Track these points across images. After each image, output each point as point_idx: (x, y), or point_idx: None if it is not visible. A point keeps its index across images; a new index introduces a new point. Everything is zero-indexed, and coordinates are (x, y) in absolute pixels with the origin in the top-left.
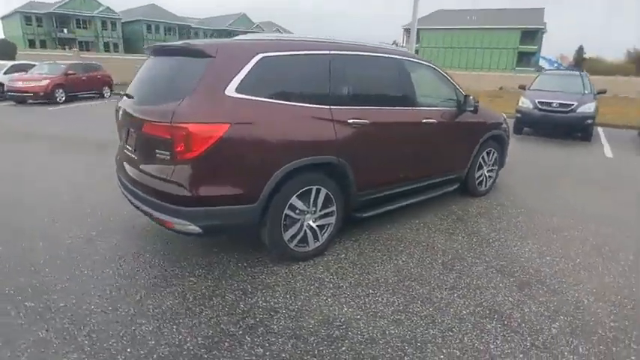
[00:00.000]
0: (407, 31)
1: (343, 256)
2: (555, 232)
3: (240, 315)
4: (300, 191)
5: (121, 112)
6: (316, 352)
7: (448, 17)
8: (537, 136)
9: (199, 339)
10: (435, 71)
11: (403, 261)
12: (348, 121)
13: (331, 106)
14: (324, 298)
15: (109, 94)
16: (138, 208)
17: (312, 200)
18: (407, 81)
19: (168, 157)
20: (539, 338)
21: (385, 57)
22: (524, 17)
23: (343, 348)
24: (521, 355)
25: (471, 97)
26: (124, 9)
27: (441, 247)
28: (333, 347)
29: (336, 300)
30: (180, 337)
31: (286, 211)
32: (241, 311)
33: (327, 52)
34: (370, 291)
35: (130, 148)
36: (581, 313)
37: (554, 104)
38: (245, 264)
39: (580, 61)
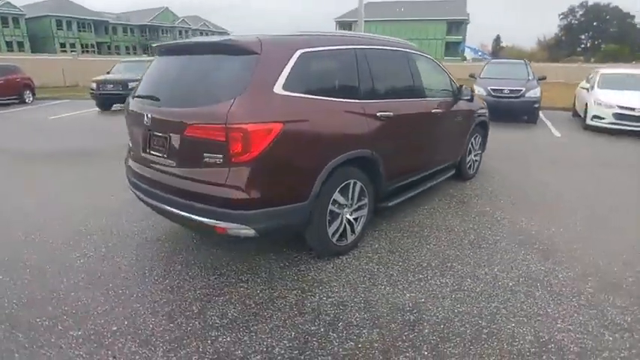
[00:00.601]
0: (340, 24)
1: (377, 246)
2: (549, 206)
3: (312, 313)
4: (341, 186)
5: (145, 117)
6: (404, 338)
7: (378, 9)
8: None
9: (285, 342)
10: (434, 62)
11: (434, 244)
12: (377, 114)
13: (362, 100)
14: (383, 287)
15: (31, 98)
16: (168, 215)
17: (350, 194)
18: (417, 73)
19: (221, 160)
20: (582, 298)
21: (399, 50)
22: (449, 9)
23: (426, 330)
24: (575, 314)
25: (465, 87)
26: (27, 3)
27: (461, 229)
28: (416, 331)
29: (394, 288)
30: (265, 343)
31: (330, 206)
32: (311, 309)
33: (355, 46)
34: (420, 275)
35: (158, 154)
36: (603, 273)
37: (506, 91)
38: (287, 263)
39: (498, 50)
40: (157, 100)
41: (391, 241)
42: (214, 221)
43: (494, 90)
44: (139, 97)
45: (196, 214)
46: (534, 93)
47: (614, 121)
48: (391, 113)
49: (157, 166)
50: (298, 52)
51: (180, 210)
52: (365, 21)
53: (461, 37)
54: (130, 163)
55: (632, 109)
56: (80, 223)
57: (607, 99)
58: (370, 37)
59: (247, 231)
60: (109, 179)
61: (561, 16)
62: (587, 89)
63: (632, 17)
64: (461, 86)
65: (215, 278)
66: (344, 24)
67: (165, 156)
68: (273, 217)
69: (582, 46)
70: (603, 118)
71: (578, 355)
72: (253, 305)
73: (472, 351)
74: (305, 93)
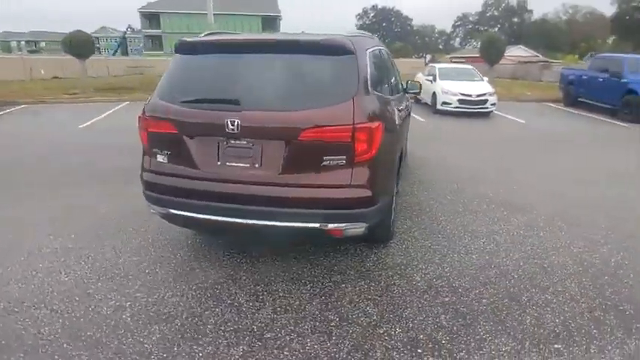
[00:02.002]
0: (144, 15)
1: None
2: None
3: (422, 291)
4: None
5: (227, 124)
6: (487, 295)
7: (189, 1)
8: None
9: (415, 333)
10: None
11: (444, 217)
12: (400, 109)
13: (393, 96)
14: (449, 262)
15: None
16: (247, 227)
17: (396, 183)
18: (395, 69)
19: (344, 161)
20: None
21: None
22: (262, 4)
23: (506, 285)
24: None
25: (411, 82)
26: None
27: (454, 205)
28: (495, 287)
29: (458, 260)
30: (398, 331)
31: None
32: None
33: (379, 47)
34: (466, 246)
35: (242, 164)
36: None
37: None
38: (356, 260)
39: None
40: (237, 103)
41: (408, 219)
42: (330, 225)
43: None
44: (197, 101)
45: (301, 221)
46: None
47: (458, 105)
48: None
49: (242, 178)
50: (368, 52)
51: (278, 220)
52: (172, 12)
53: None
54: (168, 179)
55: (470, 96)
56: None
57: (451, 88)
58: (372, 37)
59: (360, 230)
60: None
61: (357, 17)
62: (431, 80)
63: (410, 20)
64: (408, 81)
65: (281, 276)
66: (148, 15)
67: (257, 165)
68: (378, 213)
69: None
70: (450, 104)
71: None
72: (340, 302)
73: None
74: (376, 91)
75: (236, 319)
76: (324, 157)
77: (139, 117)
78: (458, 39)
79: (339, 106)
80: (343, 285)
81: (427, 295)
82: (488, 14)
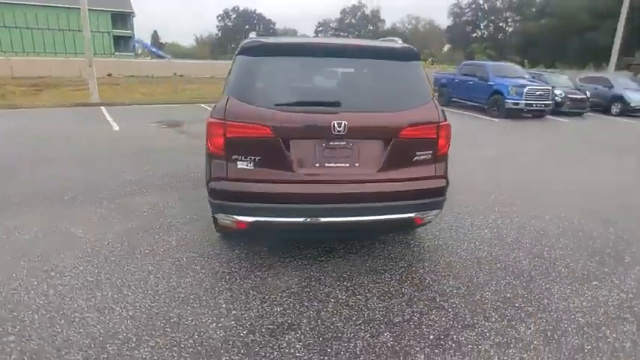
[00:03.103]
0: None
1: None
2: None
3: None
4: None
5: (334, 126)
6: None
7: None
8: None
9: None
10: None
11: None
12: None
13: None
14: (475, 246)
15: None
16: (342, 227)
17: None
18: None
19: (430, 155)
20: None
21: None
22: (112, 0)
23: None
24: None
25: None
26: None
27: None
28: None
29: (483, 238)
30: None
31: None
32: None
33: None
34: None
35: (341, 164)
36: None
37: None
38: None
39: (160, 46)
40: (338, 105)
41: None
42: (417, 214)
43: None
44: (298, 104)
45: (395, 213)
46: None
47: None
48: None
49: (341, 177)
50: None
51: (375, 214)
52: (6, 3)
53: (130, 31)
54: (256, 185)
55: None
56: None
57: None
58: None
59: (435, 216)
60: None
61: (219, 18)
62: None
63: (274, 24)
64: None
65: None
66: None
67: (356, 164)
68: (445, 200)
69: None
70: None
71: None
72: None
73: None
74: None
75: (355, 313)
76: (417, 153)
77: (212, 123)
78: None
79: (425, 106)
80: (413, 268)
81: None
82: (346, 21)
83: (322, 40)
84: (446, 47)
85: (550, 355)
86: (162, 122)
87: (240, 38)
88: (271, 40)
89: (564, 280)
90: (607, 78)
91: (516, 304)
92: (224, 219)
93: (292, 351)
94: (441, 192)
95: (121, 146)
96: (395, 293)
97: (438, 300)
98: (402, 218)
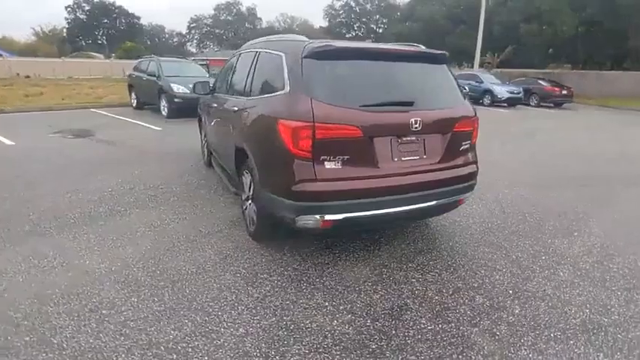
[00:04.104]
0: None
1: None
2: None
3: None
4: None
5: (412, 123)
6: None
7: None
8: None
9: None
10: None
11: None
12: None
13: None
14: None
15: None
16: (412, 214)
17: None
18: None
19: (468, 145)
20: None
21: None
22: None
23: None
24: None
25: None
26: None
27: None
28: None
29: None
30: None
31: None
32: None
33: None
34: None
35: (412, 157)
36: None
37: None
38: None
39: None
40: (412, 104)
41: None
42: (461, 196)
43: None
44: (381, 104)
45: (448, 197)
46: None
47: None
48: None
49: (413, 169)
50: None
51: (436, 200)
52: None
53: None
54: (344, 184)
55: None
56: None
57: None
58: None
59: (468, 197)
60: None
61: (68, 10)
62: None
63: (138, 18)
64: None
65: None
66: None
67: (424, 156)
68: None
69: (98, 42)
70: None
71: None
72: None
73: None
74: None
75: (441, 286)
76: (462, 143)
77: (298, 126)
78: (195, 41)
79: (464, 103)
80: (451, 243)
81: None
82: (222, 18)
83: (381, 45)
84: None
85: None
86: (63, 132)
87: (98, 34)
88: (338, 43)
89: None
90: (477, 75)
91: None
92: (307, 220)
93: (421, 327)
94: (476, 176)
95: (37, 165)
96: (456, 265)
97: (478, 255)
98: (453, 201)
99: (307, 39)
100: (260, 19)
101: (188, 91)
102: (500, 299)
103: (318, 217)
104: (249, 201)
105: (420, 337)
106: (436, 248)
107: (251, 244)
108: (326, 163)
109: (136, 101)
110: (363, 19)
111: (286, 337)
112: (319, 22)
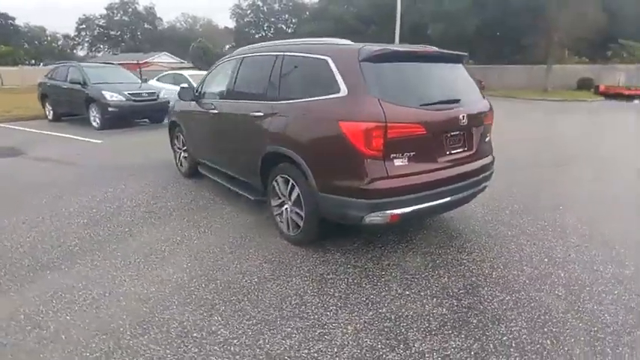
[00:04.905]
0: None
1: None
2: None
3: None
4: None
5: (460, 118)
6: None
7: None
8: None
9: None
10: None
11: None
12: None
13: None
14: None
15: None
16: (456, 203)
17: None
18: None
19: (488, 136)
20: None
21: None
22: None
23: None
24: None
25: None
26: None
27: None
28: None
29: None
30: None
31: None
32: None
33: None
34: None
35: (458, 150)
36: None
37: (145, 94)
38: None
39: None
40: (458, 102)
41: None
42: (486, 183)
43: (132, 94)
44: (438, 103)
45: (480, 184)
46: (164, 93)
47: None
48: None
49: (458, 161)
50: None
51: (473, 187)
52: None
53: None
54: (411, 178)
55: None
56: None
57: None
58: None
59: None
60: None
61: None
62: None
63: (13, 19)
64: None
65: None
66: None
67: (465, 148)
68: None
69: None
70: None
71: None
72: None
73: None
74: None
75: (492, 264)
76: (487, 134)
77: (371, 126)
78: (86, 44)
79: (484, 98)
80: (470, 227)
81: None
82: (116, 18)
83: (421, 48)
84: (227, 46)
85: None
86: None
87: None
88: (390, 46)
89: None
90: None
91: None
92: (377, 217)
93: (499, 298)
94: (494, 164)
95: None
96: (489, 244)
97: (501, 233)
98: (482, 187)
99: (349, 42)
100: (160, 19)
101: (124, 99)
102: (543, 267)
103: (388, 212)
104: (286, 206)
105: (504, 306)
106: (462, 232)
107: (294, 249)
108: (395, 160)
109: (52, 113)
110: (272, 19)
111: (395, 327)
112: (224, 22)
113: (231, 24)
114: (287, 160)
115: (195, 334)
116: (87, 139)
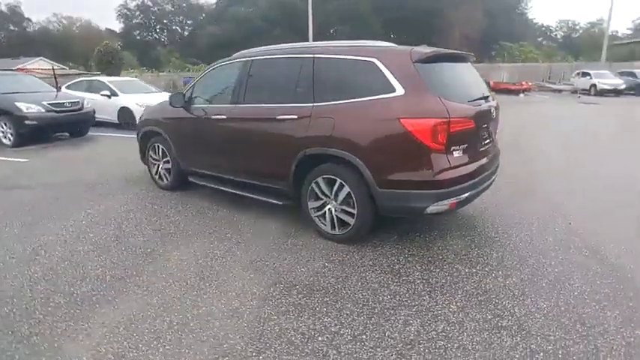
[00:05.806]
0: None
1: None
2: None
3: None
4: None
5: (492, 112)
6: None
7: None
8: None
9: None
10: None
11: None
12: None
13: None
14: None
15: None
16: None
17: None
18: None
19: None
20: None
21: None
22: None
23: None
24: None
25: None
26: None
27: None
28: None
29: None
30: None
31: None
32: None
33: None
34: None
35: (487, 141)
36: None
37: (67, 104)
38: None
39: None
40: (487, 97)
41: None
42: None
43: (53, 104)
44: (480, 99)
45: (497, 171)
46: (87, 103)
47: None
48: None
49: (486, 152)
50: None
51: (496, 173)
52: None
53: None
54: (463, 168)
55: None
56: None
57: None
58: None
59: None
60: None
61: None
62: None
63: None
64: None
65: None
66: None
67: (490, 139)
68: None
69: None
70: None
71: None
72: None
73: None
74: None
75: (507, 253)
76: (497, 126)
77: (436, 123)
78: None
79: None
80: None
81: None
82: None
83: (449, 50)
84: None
85: None
86: None
87: None
88: (436, 49)
89: None
90: None
91: None
92: (440, 205)
93: (512, 282)
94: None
95: None
96: (501, 232)
97: (508, 220)
98: (496, 174)
99: (389, 44)
100: (29, 19)
101: (43, 110)
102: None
103: (449, 201)
104: (329, 206)
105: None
106: (472, 222)
107: (342, 247)
108: (454, 152)
109: None
110: (164, 21)
111: (489, 299)
112: (106, 23)
113: (116, 26)
114: (332, 161)
115: (320, 338)
116: (7, 159)
